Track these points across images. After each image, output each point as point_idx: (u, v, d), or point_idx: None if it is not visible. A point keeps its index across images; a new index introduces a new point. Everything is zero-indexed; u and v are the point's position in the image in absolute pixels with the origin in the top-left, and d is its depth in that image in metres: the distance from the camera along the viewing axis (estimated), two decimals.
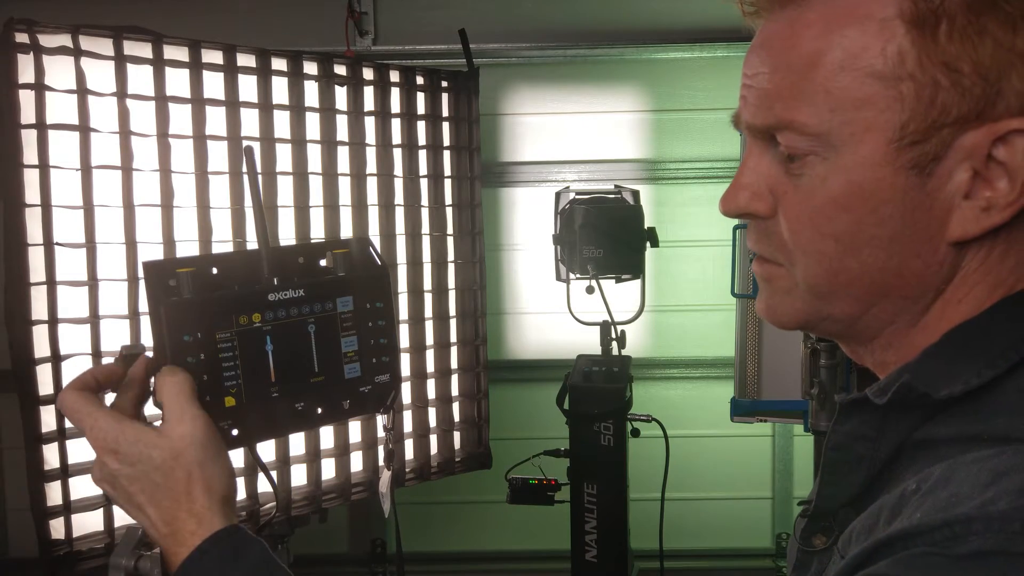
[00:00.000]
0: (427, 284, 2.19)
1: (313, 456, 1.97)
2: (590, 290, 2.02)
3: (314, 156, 1.97)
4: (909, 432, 0.59)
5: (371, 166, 2.08)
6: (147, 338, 1.69)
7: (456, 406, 2.27)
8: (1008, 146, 0.53)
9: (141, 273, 1.08)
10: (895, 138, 0.54)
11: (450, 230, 2.24)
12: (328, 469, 2.01)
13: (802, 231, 0.59)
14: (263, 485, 1.88)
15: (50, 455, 1.65)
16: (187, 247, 1.78)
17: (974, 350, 0.56)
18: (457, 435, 2.28)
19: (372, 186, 2.08)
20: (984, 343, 0.56)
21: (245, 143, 1.83)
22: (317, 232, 1.97)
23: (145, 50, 1.73)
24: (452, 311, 2.25)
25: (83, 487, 1.69)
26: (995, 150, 0.53)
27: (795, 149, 0.57)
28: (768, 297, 0.65)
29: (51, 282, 1.63)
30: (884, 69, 0.53)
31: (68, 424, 1.66)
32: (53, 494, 1.65)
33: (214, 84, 1.82)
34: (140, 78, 1.73)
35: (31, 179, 1.62)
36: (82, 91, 1.64)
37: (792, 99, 0.56)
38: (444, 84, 2.22)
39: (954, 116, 0.53)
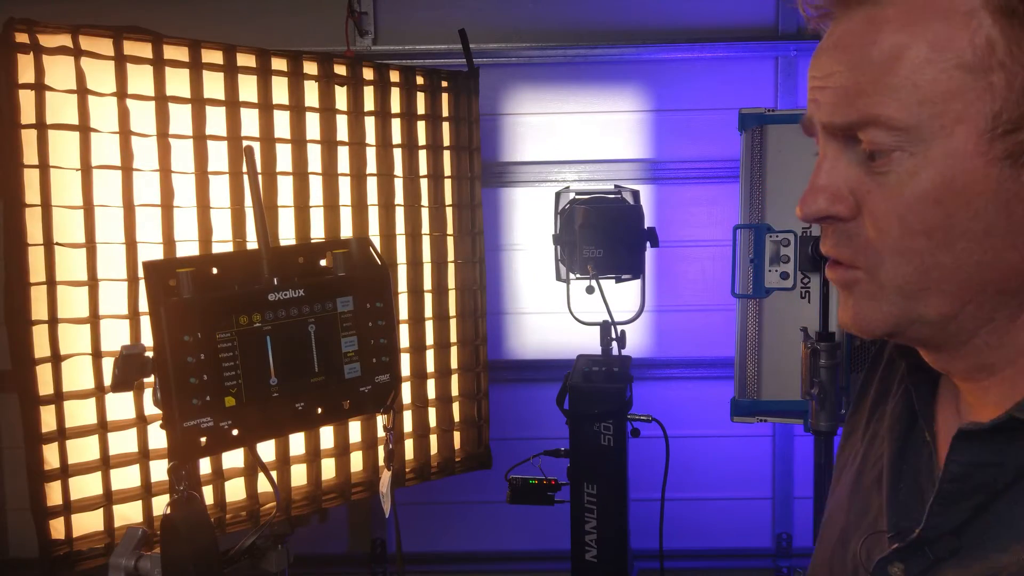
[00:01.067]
0: (427, 284, 2.19)
1: (313, 456, 1.97)
2: (590, 290, 2.02)
3: (314, 156, 1.97)
4: None
5: (371, 166, 2.08)
6: (147, 338, 1.70)
7: (456, 406, 2.27)
8: None
9: (141, 273, 1.08)
10: (987, 128, 0.53)
11: (450, 230, 2.24)
12: (328, 469, 2.01)
13: (890, 229, 0.57)
14: (263, 485, 1.88)
15: (50, 455, 1.65)
16: (187, 247, 1.78)
17: None
18: (457, 435, 2.28)
19: (372, 186, 2.08)
20: None
21: (245, 143, 1.83)
22: (317, 232, 1.97)
23: (145, 50, 1.73)
24: (452, 311, 2.25)
25: (83, 487, 1.69)
26: None
27: (880, 145, 0.56)
28: (853, 305, 0.61)
29: (51, 282, 1.63)
30: (973, 60, 0.53)
31: (68, 424, 1.66)
32: (53, 494, 1.66)
33: (214, 84, 1.82)
34: (140, 78, 1.73)
35: (31, 179, 1.62)
36: (82, 91, 1.64)
37: (876, 94, 0.55)
38: (444, 84, 2.22)
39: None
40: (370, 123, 2.07)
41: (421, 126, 2.18)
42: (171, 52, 1.76)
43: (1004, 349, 0.59)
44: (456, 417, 2.27)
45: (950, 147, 0.54)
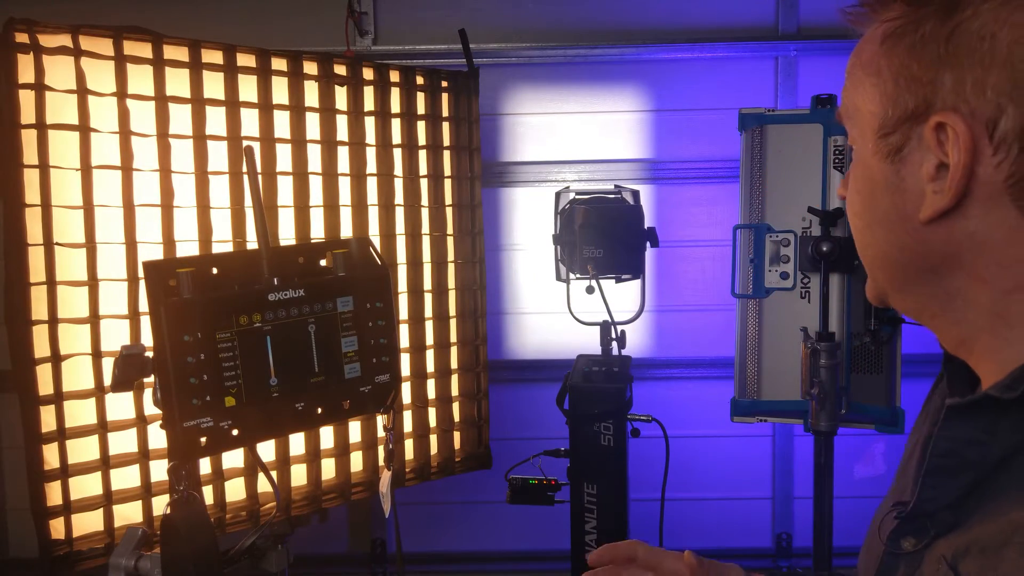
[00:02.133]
0: (427, 284, 2.19)
1: (313, 456, 1.97)
2: (590, 290, 2.02)
3: (314, 156, 1.97)
4: (1020, 436, 0.60)
5: (371, 166, 2.08)
6: (147, 338, 1.70)
7: (456, 406, 2.27)
8: (945, 136, 0.60)
9: (141, 273, 1.08)
10: (879, 131, 0.63)
11: (450, 230, 2.24)
12: (328, 469, 2.01)
13: (848, 210, 0.70)
14: (263, 485, 1.88)
15: (50, 455, 1.65)
16: (187, 247, 1.78)
17: None
18: (457, 435, 2.28)
19: (372, 186, 2.08)
20: None
21: (245, 143, 1.83)
22: (317, 232, 1.97)
23: (145, 50, 1.73)
24: (452, 311, 2.25)
25: (83, 487, 1.69)
26: (940, 140, 0.61)
27: (851, 139, 0.69)
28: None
29: (51, 282, 1.63)
30: (875, 77, 0.64)
31: (68, 424, 1.66)
32: (53, 494, 1.66)
33: (214, 84, 1.82)
34: (140, 78, 1.73)
35: (31, 179, 1.62)
36: (82, 91, 1.64)
37: (846, 98, 0.68)
38: (444, 84, 2.22)
39: (911, 111, 0.61)
40: (370, 123, 2.07)
41: (421, 126, 2.18)
42: (171, 52, 1.76)
43: (966, 325, 0.65)
44: (456, 417, 2.27)
45: (866, 147, 0.65)
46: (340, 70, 2.02)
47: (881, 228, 0.66)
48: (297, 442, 1.95)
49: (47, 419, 1.64)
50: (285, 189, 1.92)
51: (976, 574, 0.59)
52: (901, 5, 0.62)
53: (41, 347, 1.63)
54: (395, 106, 2.12)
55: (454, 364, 2.26)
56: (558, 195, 2.16)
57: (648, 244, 2.05)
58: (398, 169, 2.13)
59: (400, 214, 2.14)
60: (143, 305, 1.70)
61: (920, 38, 0.60)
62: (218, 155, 1.83)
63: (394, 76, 2.11)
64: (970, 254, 0.62)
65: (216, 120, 1.82)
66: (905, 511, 0.67)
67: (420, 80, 2.17)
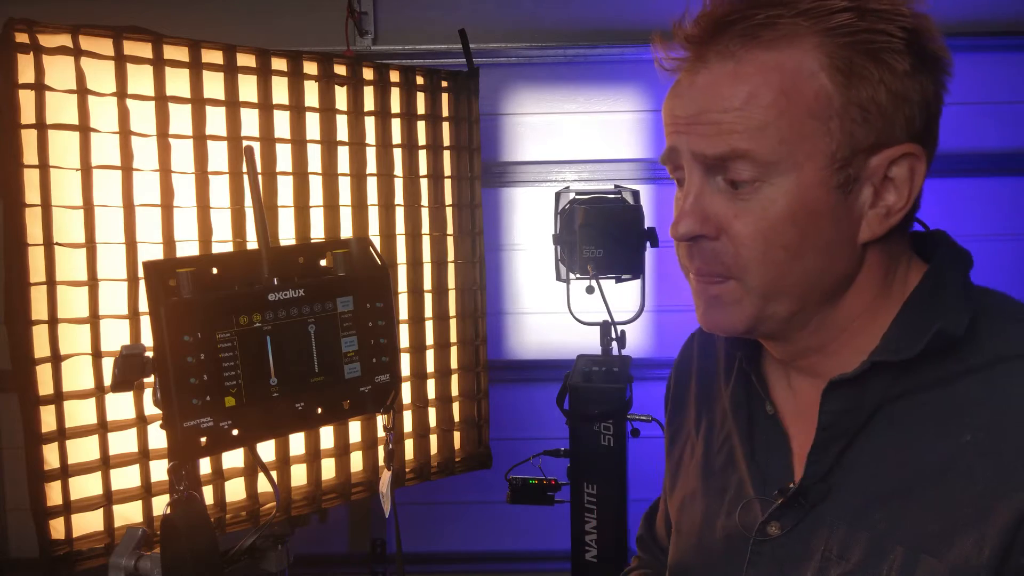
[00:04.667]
0: (427, 284, 2.19)
1: (313, 456, 1.97)
2: (590, 290, 2.02)
3: (314, 156, 1.97)
4: (882, 395, 0.71)
5: (371, 166, 2.07)
6: (147, 338, 1.70)
7: (456, 406, 2.27)
8: (898, 166, 0.69)
9: (141, 273, 1.08)
10: (827, 164, 0.68)
11: (450, 230, 2.24)
12: (328, 469, 2.01)
13: (754, 245, 0.70)
14: (263, 485, 1.88)
15: (50, 455, 1.65)
16: (187, 247, 1.78)
17: (942, 307, 0.71)
18: (457, 435, 2.28)
19: (372, 186, 2.07)
20: (945, 304, 0.71)
21: (245, 143, 1.83)
22: (317, 232, 1.97)
23: (145, 50, 1.73)
24: (452, 311, 2.25)
25: (83, 487, 1.69)
26: (889, 170, 0.69)
27: (742, 175, 0.69)
28: (716, 311, 0.76)
29: (51, 282, 1.63)
30: (818, 109, 0.67)
31: (68, 424, 1.66)
32: (53, 494, 1.65)
33: (214, 84, 1.82)
34: (140, 78, 1.73)
35: (31, 179, 1.62)
36: (82, 91, 1.64)
37: (745, 132, 0.68)
38: (444, 84, 2.22)
39: (865, 144, 0.68)
40: (370, 123, 2.07)
41: (421, 126, 2.18)
42: (171, 52, 1.76)
43: (826, 332, 0.75)
44: (456, 417, 2.27)
45: (802, 179, 0.68)
46: (340, 70, 2.02)
47: (815, 255, 0.70)
48: (297, 442, 1.95)
49: (47, 419, 1.64)
50: (285, 189, 1.92)
51: (890, 520, 0.67)
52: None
53: (41, 347, 1.63)
54: (395, 106, 2.12)
55: (454, 364, 2.26)
56: (558, 195, 2.16)
57: (648, 244, 2.05)
58: (398, 169, 2.13)
59: (400, 214, 2.14)
60: (143, 305, 1.70)
61: (871, 74, 0.67)
62: (218, 155, 1.83)
63: (394, 76, 2.11)
64: (877, 265, 0.73)
65: (216, 120, 1.82)
66: (785, 496, 0.74)
67: (420, 80, 2.17)
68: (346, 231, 2.03)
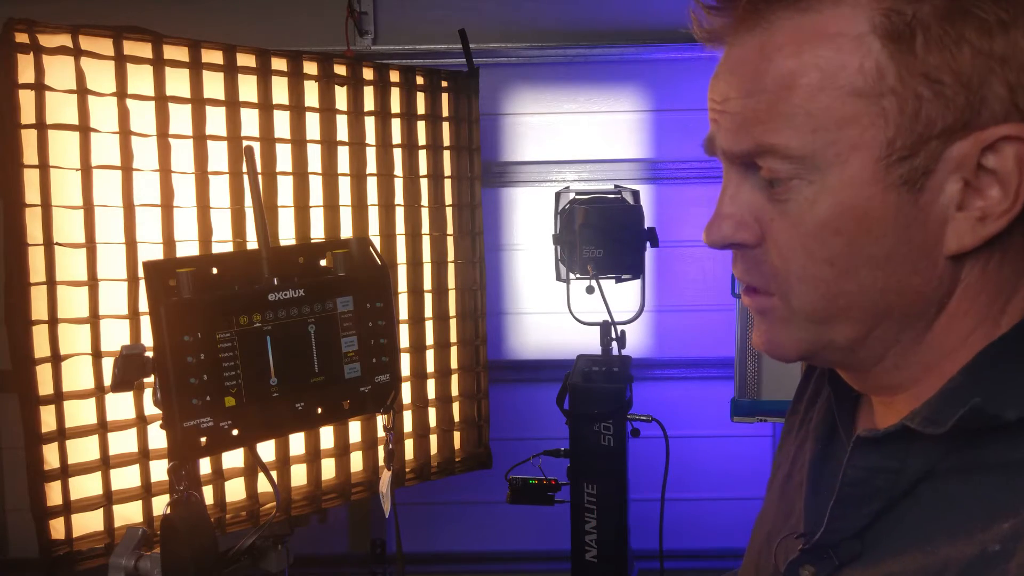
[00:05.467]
0: (427, 284, 2.19)
1: (313, 456, 1.97)
2: (590, 290, 2.02)
3: (314, 156, 1.97)
4: (935, 461, 0.56)
5: (371, 166, 2.07)
6: (147, 338, 1.70)
7: (456, 406, 2.27)
8: (997, 154, 0.51)
9: (141, 273, 1.08)
10: (883, 155, 0.52)
11: (450, 230, 2.24)
12: (328, 469, 2.01)
13: (794, 258, 0.57)
14: (263, 485, 1.88)
15: (50, 455, 1.65)
16: (187, 247, 1.78)
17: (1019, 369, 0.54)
18: (457, 435, 2.28)
19: (372, 186, 2.07)
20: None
21: (245, 143, 1.83)
22: (317, 232, 1.97)
23: (145, 50, 1.72)
24: (452, 311, 2.25)
25: (83, 487, 1.69)
26: (984, 159, 0.52)
27: (777, 173, 0.55)
28: (767, 330, 0.62)
29: (51, 282, 1.63)
30: (864, 86, 0.52)
31: (68, 424, 1.66)
32: (53, 494, 1.66)
33: (214, 84, 1.82)
34: (140, 78, 1.73)
35: (31, 179, 1.62)
36: (82, 91, 1.64)
37: (771, 122, 0.55)
38: (444, 84, 2.22)
39: (940, 128, 0.51)
40: (370, 123, 2.07)
41: (421, 126, 2.18)
42: (171, 52, 1.76)
43: (910, 369, 0.59)
44: (456, 417, 2.27)
45: (847, 175, 0.53)
46: (340, 70, 2.02)
47: (875, 271, 0.55)
48: (297, 442, 1.95)
49: (47, 419, 1.64)
50: (285, 189, 1.92)
51: None
52: None
53: (41, 347, 1.63)
54: (395, 106, 2.12)
55: (454, 364, 2.26)
56: (558, 195, 2.16)
57: (648, 244, 2.05)
58: (398, 169, 2.13)
59: (400, 214, 2.14)
60: (143, 305, 1.70)
61: (944, 33, 0.50)
62: (218, 155, 1.83)
63: (394, 76, 2.11)
64: (978, 285, 0.56)
65: (216, 120, 1.82)
66: (809, 543, 0.62)
67: (420, 80, 2.17)
68: (346, 231, 2.03)
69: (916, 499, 0.57)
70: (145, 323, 1.70)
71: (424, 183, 2.19)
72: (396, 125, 2.13)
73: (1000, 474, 0.53)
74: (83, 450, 1.69)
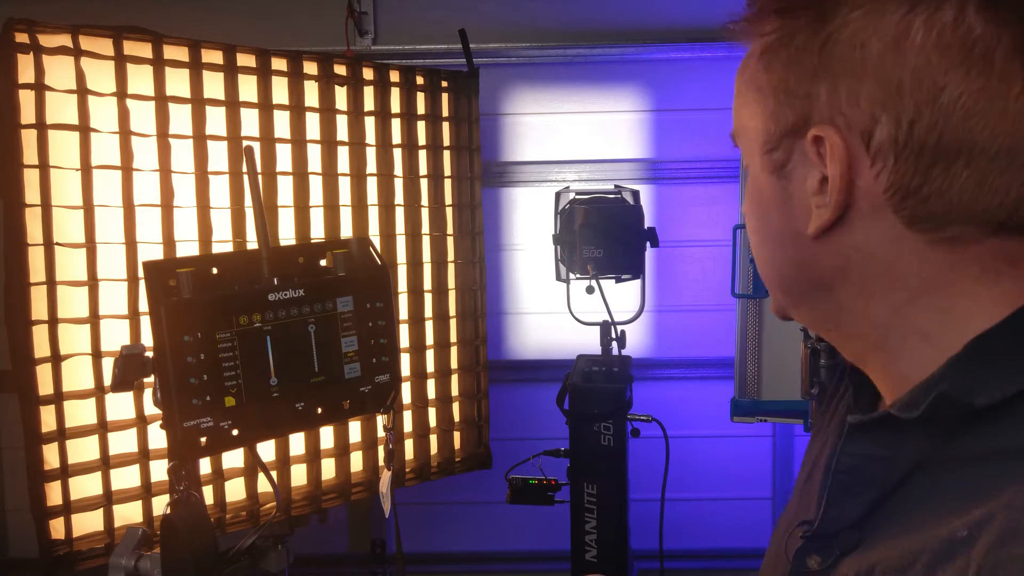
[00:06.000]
0: (427, 284, 2.19)
1: (313, 456, 1.97)
2: (590, 290, 2.02)
3: (314, 156, 1.97)
4: (927, 451, 0.58)
5: (371, 166, 2.08)
6: (147, 338, 1.70)
7: (456, 406, 2.27)
8: (823, 150, 0.59)
9: (141, 273, 1.08)
10: (764, 147, 0.62)
11: (450, 230, 2.24)
12: (328, 469, 2.01)
13: (748, 229, 0.68)
14: (263, 485, 1.88)
15: (50, 455, 1.65)
16: (187, 247, 1.78)
17: (1004, 359, 0.56)
18: (457, 435, 2.28)
19: (372, 186, 2.08)
20: (1013, 352, 0.56)
21: (245, 143, 1.83)
22: (317, 232, 1.97)
23: (145, 50, 1.73)
24: (452, 311, 2.25)
25: (83, 487, 1.69)
26: (821, 154, 0.59)
27: (744, 158, 0.67)
28: None
29: (51, 282, 1.63)
30: (757, 93, 0.63)
31: (68, 424, 1.66)
32: (53, 494, 1.66)
33: (214, 84, 1.82)
34: (140, 78, 1.73)
35: (31, 179, 1.62)
36: (82, 91, 1.64)
37: (735, 113, 0.67)
38: (444, 84, 2.22)
39: (790, 125, 0.60)
40: (370, 123, 2.07)
41: (421, 126, 2.18)
42: (171, 52, 1.76)
43: (860, 340, 0.65)
44: (456, 417, 2.27)
45: (755, 164, 0.64)
46: (340, 70, 2.02)
47: (774, 245, 0.65)
48: (297, 442, 1.95)
49: (47, 419, 1.64)
50: (285, 189, 1.92)
51: None
52: (775, 19, 0.61)
53: (41, 347, 1.63)
54: (395, 106, 2.12)
55: (454, 364, 2.26)
56: (558, 195, 2.16)
57: (648, 244, 2.05)
58: (398, 169, 2.13)
59: (400, 214, 2.14)
60: (143, 305, 1.70)
61: (795, 51, 0.59)
62: (218, 155, 1.83)
63: (394, 76, 2.11)
64: (858, 268, 0.61)
65: (216, 120, 1.82)
66: (811, 530, 0.65)
67: (420, 80, 2.17)
68: (346, 231, 2.03)
69: (909, 489, 0.60)
70: (145, 323, 1.70)
71: (424, 183, 2.19)
72: (396, 125, 2.13)
73: (982, 464, 0.56)
74: (83, 450, 1.69)
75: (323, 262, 1.09)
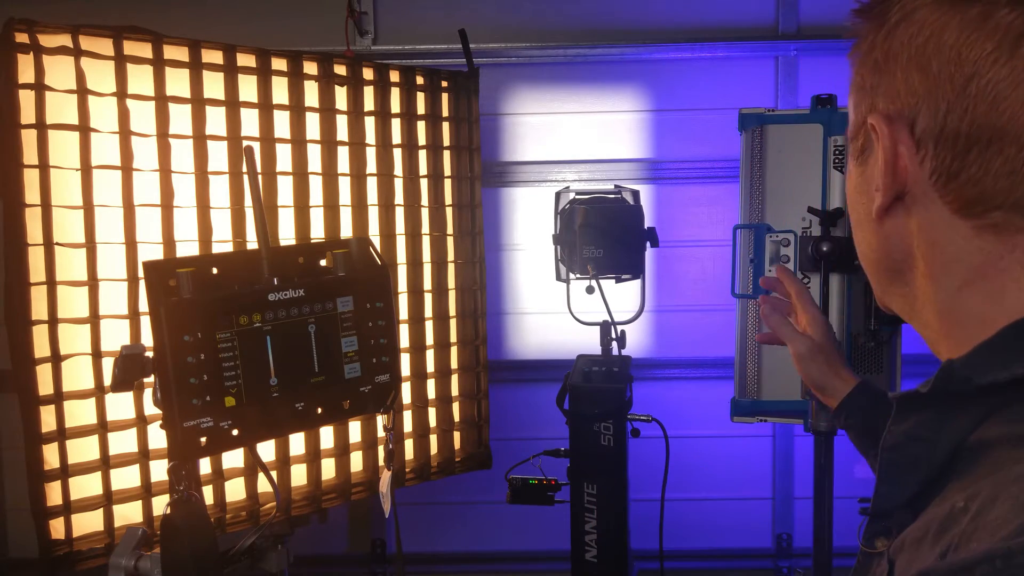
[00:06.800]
0: (427, 284, 2.19)
1: (313, 456, 1.97)
2: (590, 290, 2.02)
3: (314, 156, 1.97)
4: (966, 434, 0.59)
5: (371, 166, 2.08)
6: (147, 338, 1.70)
7: (456, 406, 2.27)
8: (877, 137, 0.62)
9: (141, 273, 1.08)
10: (851, 137, 0.67)
11: (450, 230, 2.24)
12: (328, 469, 2.01)
13: None
14: (263, 485, 1.88)
15: (50, 455, 1.65)
16: (187, 247, 1.78)
17: None
18: (457, 435, 2.28)
19: (372, 186, 2.08)
20: None
21: (245, 143, 1.83)
22: (317, 232, 1.97)
23: (145, 50, 1.73)
24: (452, 311, 2.25)
25: (83, 487, 1.69)
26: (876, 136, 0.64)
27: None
28: None
29: (51, 282, 1.63)
30: (850, 89, 0.67)
31: (68, 424, 1.66)
32: (53, 494, 1.66)
33: (214, 84, 1.82)
34: (140, 78, 1.73)
35: (31, 179, 1.62)
36: (82, 91, 1.64)
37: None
38: (444, 84, 2.22)
39: (863, 115, 0.64)
40: (370, 123, 2.08)
41: (421, 126, 2.18)
42: (171, 52, 1.76)
43: (930, 329, 0.67)
44: (456, 417, 2.27)
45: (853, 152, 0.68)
46: (340, 70, 2.02)
47: (859, 229, 0.69)
48: (297, 442, 1.95)
49: (47, 419, 1.64)
50: (285, 189, 1.92)
51: (902, 570, 0.59)
52: (856, 19, 0.66)
53: (41, 347, 1.63)
54: (395, 106, 2.12)
55: (454, 364, 2.26)
56: (558, 195, 2.16)
57: (648, 244, 2.05)
58: (398, 169, 2.13)
59: (400, 214, 2.14)
60: (143, 305, 1.70)
61: (867, 47, 0.64)
62: (218, 155, 1.83)
63: (394, 76, 2.11)
64: (920, 252, 0.63)
65: (216, 120, 1.82)
66: (868, 513, 0.68)
67: (420, 80, 2.17)
68: (346, 231, 2.03)
69: (951, 470, 0.61)
70: (145, 323, 1.70)
71: (424, 183, 2.19)
72: (396, 125, 2.13)
73: (1004, 446, 0.57)
74: (83, 450, 1.69)
75: (323, 262, 1.09)
